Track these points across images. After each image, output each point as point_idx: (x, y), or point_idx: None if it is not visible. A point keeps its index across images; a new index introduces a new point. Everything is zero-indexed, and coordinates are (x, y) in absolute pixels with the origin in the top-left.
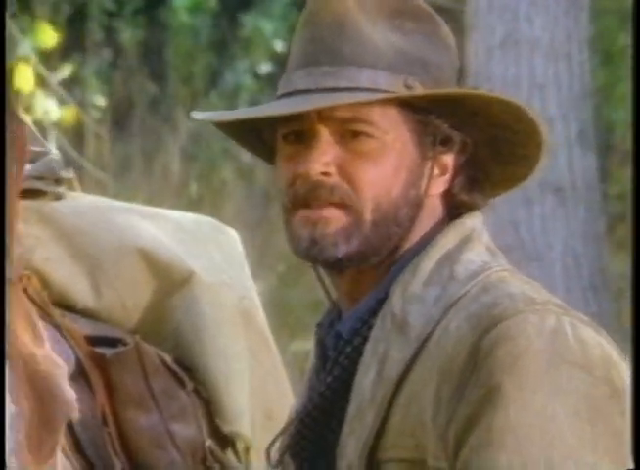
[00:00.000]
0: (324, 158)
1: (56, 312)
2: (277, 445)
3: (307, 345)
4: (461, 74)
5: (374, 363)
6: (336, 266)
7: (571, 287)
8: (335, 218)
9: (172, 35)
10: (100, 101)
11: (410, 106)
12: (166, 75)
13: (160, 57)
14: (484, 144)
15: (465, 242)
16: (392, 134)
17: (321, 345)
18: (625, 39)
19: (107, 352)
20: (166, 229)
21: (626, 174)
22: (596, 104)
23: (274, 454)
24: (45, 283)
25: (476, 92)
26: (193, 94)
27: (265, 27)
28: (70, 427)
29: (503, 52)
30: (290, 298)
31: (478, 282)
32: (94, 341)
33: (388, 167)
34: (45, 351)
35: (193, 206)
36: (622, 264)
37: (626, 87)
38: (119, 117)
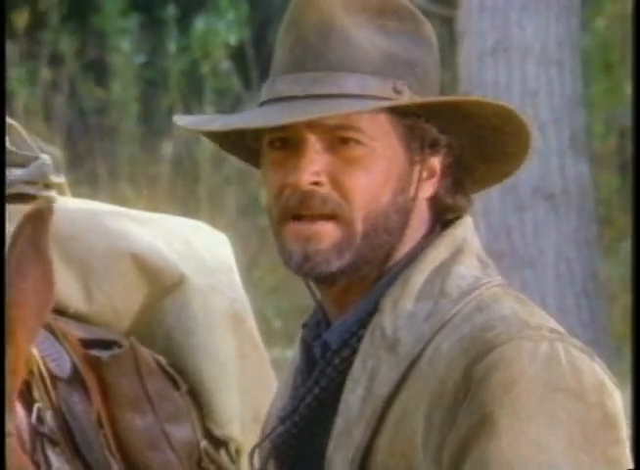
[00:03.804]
0: (313, 166)
1: (49, 316)
2: (261, 449)
3: (288, 352)
4: (453, 80)
5: (363, 379)
6: (328, 281)
7: (563, 293)
8: (328, 234)
9: (109, 40)
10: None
11: (399, 111)
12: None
13: (101, 63)
14: (471, 144)
15: (456, 254)
16: (382, 141)
17: (307, 346)
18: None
19: (102, 354)
20: (158, 233)
21: (609, 179)
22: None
23: (257, 459)
24: None
25: (469, 99)
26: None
27: (218, 25)
28: (68, 431)
29: (494, 58)
30: (274, 306)
31: (470, 300)
32: (88, 344)
33: (379, 175)
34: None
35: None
36: (611, 269)
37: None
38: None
